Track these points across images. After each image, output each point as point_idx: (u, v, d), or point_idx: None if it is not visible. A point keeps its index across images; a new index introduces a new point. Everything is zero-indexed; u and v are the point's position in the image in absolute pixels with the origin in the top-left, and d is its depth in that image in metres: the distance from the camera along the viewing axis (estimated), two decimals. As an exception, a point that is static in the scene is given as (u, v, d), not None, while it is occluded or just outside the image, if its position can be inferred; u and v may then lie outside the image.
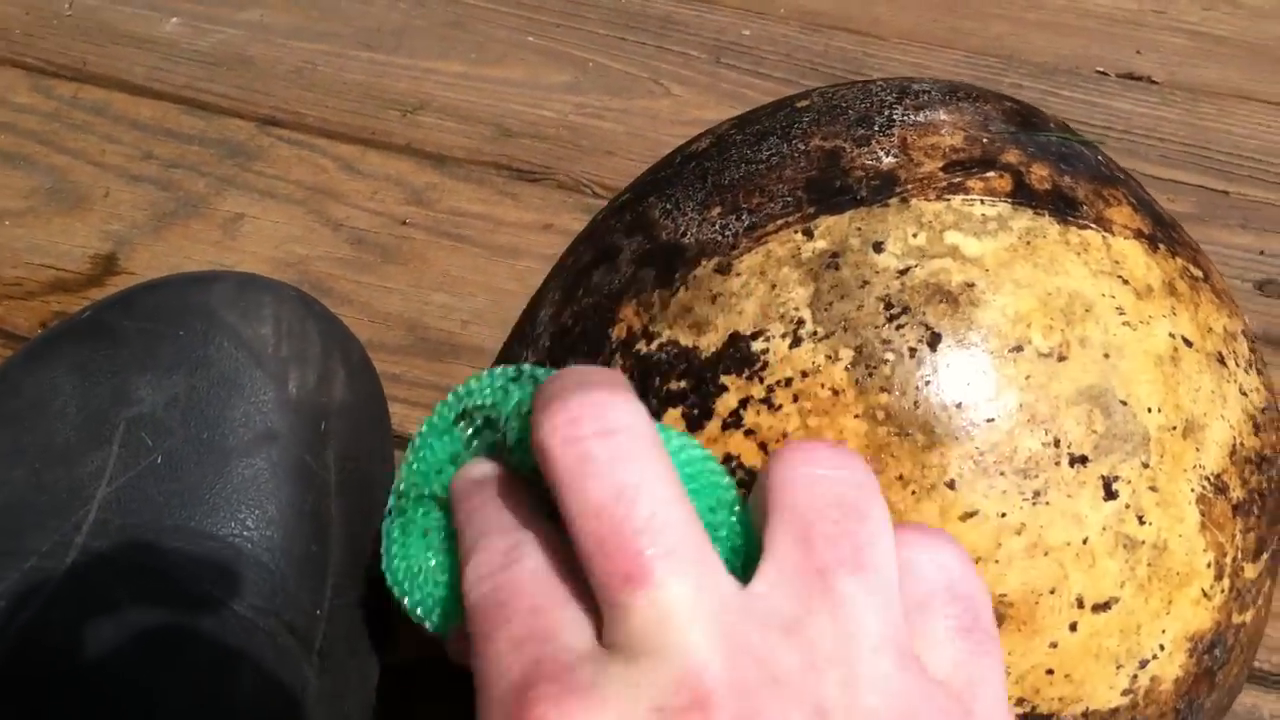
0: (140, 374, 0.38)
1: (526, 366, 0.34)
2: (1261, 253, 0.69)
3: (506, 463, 0.33)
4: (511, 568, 0.29)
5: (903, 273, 0.36)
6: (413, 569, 0.34)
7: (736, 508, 0.31)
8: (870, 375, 0.35)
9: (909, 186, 0.37)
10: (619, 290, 0.39)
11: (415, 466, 0.35)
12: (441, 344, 0.63)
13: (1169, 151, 0.75)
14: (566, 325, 0.40)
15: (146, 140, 0.74)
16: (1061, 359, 0.35)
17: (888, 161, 0.38)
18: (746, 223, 0.38)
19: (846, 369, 0.35)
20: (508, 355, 0.43)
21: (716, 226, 0.38)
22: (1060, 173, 0.39)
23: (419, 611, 0.34)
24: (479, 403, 0.34)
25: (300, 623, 0.37)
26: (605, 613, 0.27)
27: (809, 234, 0.37)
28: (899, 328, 0.35)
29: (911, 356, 0.35)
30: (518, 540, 0.30)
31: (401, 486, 0.36)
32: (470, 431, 0.35)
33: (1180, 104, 0.79)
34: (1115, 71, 0.80)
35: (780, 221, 0.37)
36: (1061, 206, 0.38)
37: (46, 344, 0.40)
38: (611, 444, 0.28)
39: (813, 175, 0.38)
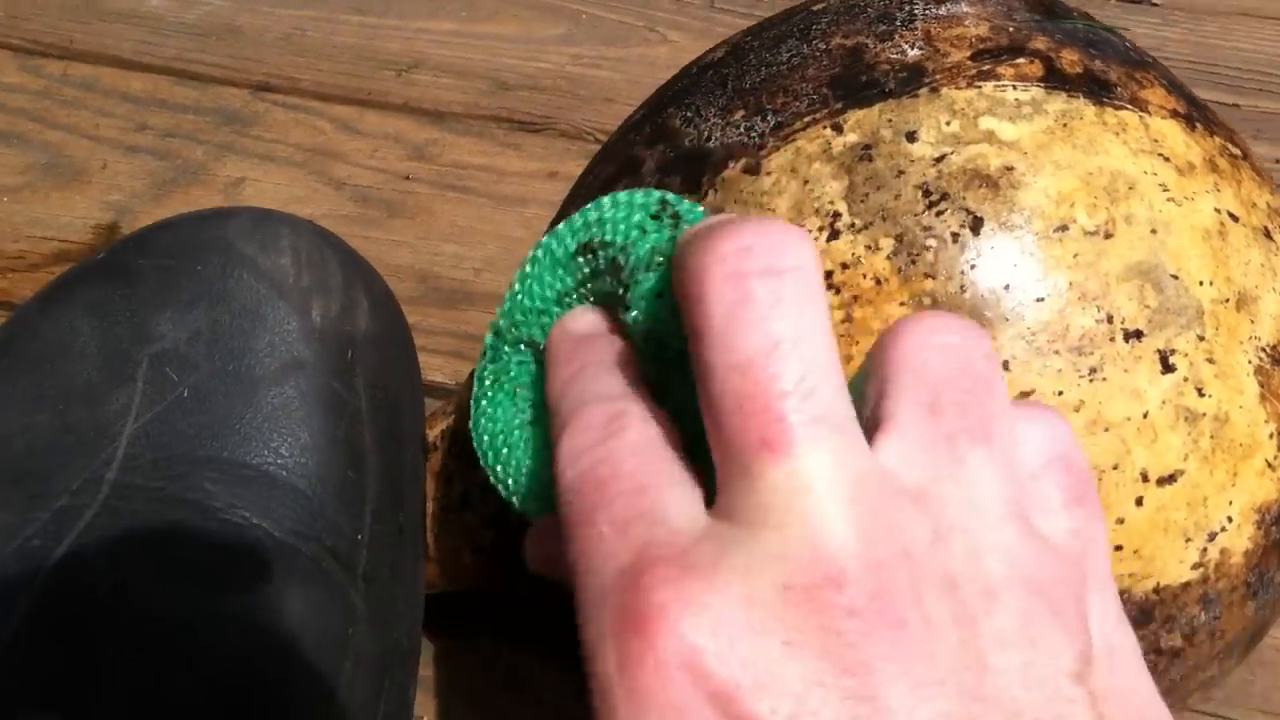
0: (160, 311, 0.37)
1: (672, 197, 0.30)
2: (1277, 161, 0.68)
3: (617, 318, 0.31)
4: (611, 441, 0.26)
5: (939, 160, 0.35)
6: (500, 433, 0.31)
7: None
8: (913, 263, 0.34)
9: (938, 76, 0.36)
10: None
11: (520, 299, 0.32)
12: (455, 292, 0.62)
13: (1175, 69, 0.74)
14: (593, 241, 0.39)
15: (140, 112, 0.73)
16: (1108, 236, 0.34)
17: (913, 54, 0.37)
18: (772, 123, 0.37)
19: (888, 258, 0.34)
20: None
21: (741, 129, 0.37)
22: (1090, 57, 0.38)
23: (509, 484, 0.31)
24: (607, 238, 0.30)
25: (342, 548, 0.36)
26: (727, 481, 0.25)
27: (838, 128, 0.36)
28: (939, 214, 0.34)
29: (954, 242, 0.34)
30: (620, 410, 0.27)
31: (500, 323, 0.33)
32: (588, 270, 0.31)
33: (1182, 24, 0.78)
34: (1115, -7, 0.80)
35: (807, 119, 0.36)
36: (1095, 89, 0.37)
37: (62, 288, 0.39)
38: (776, 287, 0.25)
39: (836, 72, 0.37)
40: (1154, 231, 0.35)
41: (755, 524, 0.24)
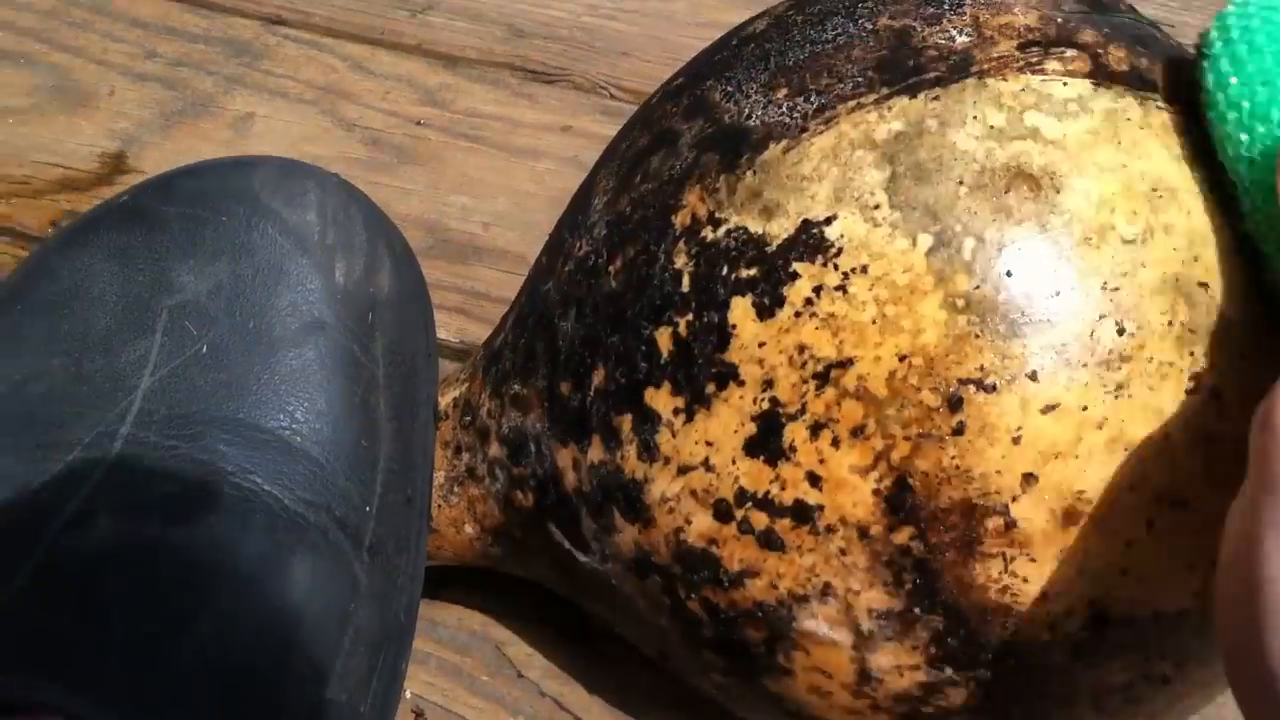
0: (182, 260, 0.36)
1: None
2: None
3: None
4: None
5: (982, 155, 0.34)
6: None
7: None
8: (950, 261, 0.33)
9: (985, 66, 0.36)
10: (681, 175, 0.37)
11: None
12: (464, 246, 0.61)
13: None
14: (624, 212, 0.38)
15: (149, 38, 0.72)
16: (1145, 245, 0.34)
17: (961, 40, 0.37)
18: (815, 104, 0.36)
19: (925, 255, 0.33)
20: (554, 247, 0.42)
21: (784, 108, 0.37)
22: (1137, 54, 0.37)
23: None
24: None
25: (351, 518, 0.36)
26: None
27: (883, 115, 0.35)
28: (979, 213, 0.34)
29: (993, 242, 0.33)
30: None
31: None
32: None
33: (1199, 8, 0.77)
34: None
35: (852, 103, 0.36)
36: (1140, 88, 0.36)
37: (81, 230, 0.38)
38: None
39: (883, 55, 0.37)
40: (1191, 244, 0.34)
41: None
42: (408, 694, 0.46)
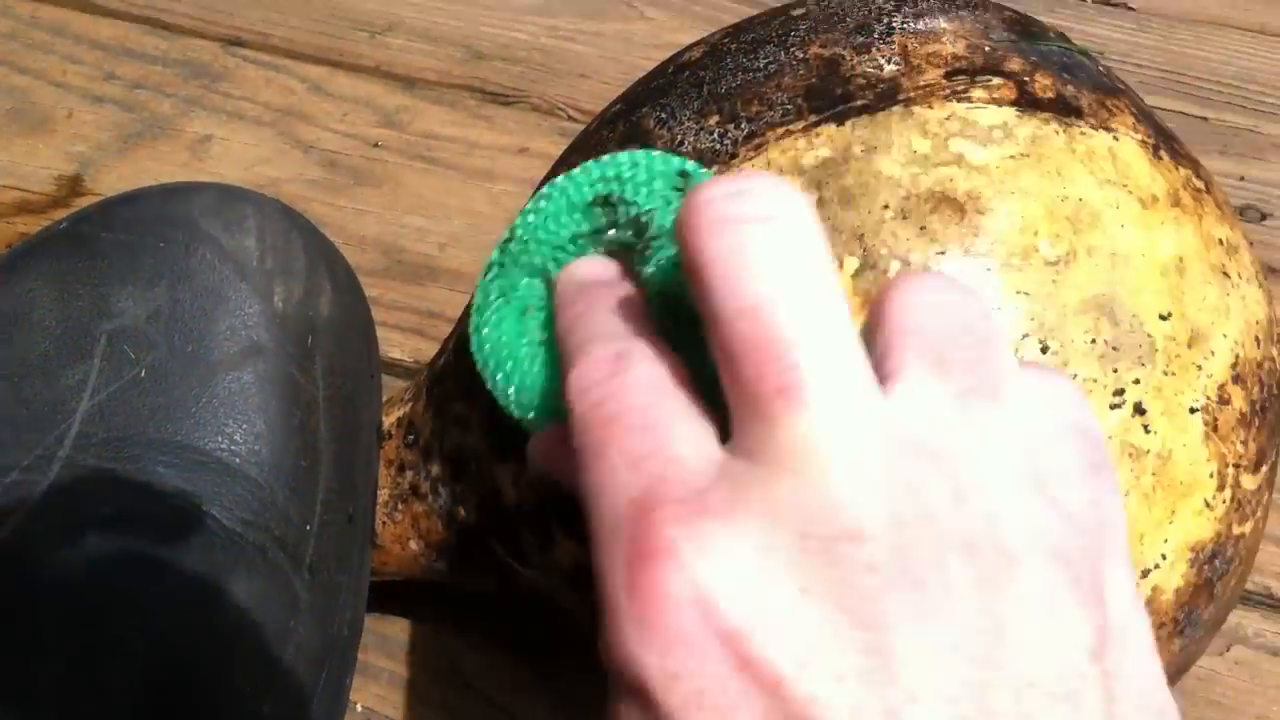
0: (121, 286, 0.37)
1: (690, 167, 0.31)
2: (1241, 178, 0.68)
3: (630, 265, 0.31)
4: (619, 377, 0.26)
5: (907, 181, 0.35)
6: (508, 344, 0.31)
7: None
8: (876, 283, 0.34)
9: (911, 94, 0.37)
10: (615, 200, 0.38)
11: (535, 231, 0.32)
12: (419, 267, 0.62)
13: (1146, 78, 0.74)
14: (561, 237, 0.39)
15: (108, 60, 0.72)
16: (1068, 267, 0.34)
17: (889, 69, 0.37)
18: (746, 130, 0.37)
19: (852, 277, 0.34)
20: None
21: (715, 135, 0.37)
22: (1064, 81, 0.38)
23: (511, 393, 0.31)
24: (630, 198, 0.31)
25: (290, 537, 0.36)
26: (745, 424, 0.24)
27: (810, 142, 0.36)
28: (904, 236, 0.34)
29: (918, 265, 0.34)
30: (626, 349, 0.27)
31: (511, 247, 0.33)
32: (604, 221, 0.31)
33: (1157, 30, 0.78)
34: (1093, -4, 0.80)
35: (781, 130, 0.36)
36: (1066, 114, 0.37)
37: (21, 256, 0.38)
38: (777, 232, 0.25)
39: (812, 83, 0.37)
40: (1113, 265, 0.35)
41: (776, 465, 0.24)
42: (359, 708, 0.47)
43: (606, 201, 0.32)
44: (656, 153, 0.32)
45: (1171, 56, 0.76)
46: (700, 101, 0.38)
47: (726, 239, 0.25)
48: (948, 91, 0.37)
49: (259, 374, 0.37)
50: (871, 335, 0.27)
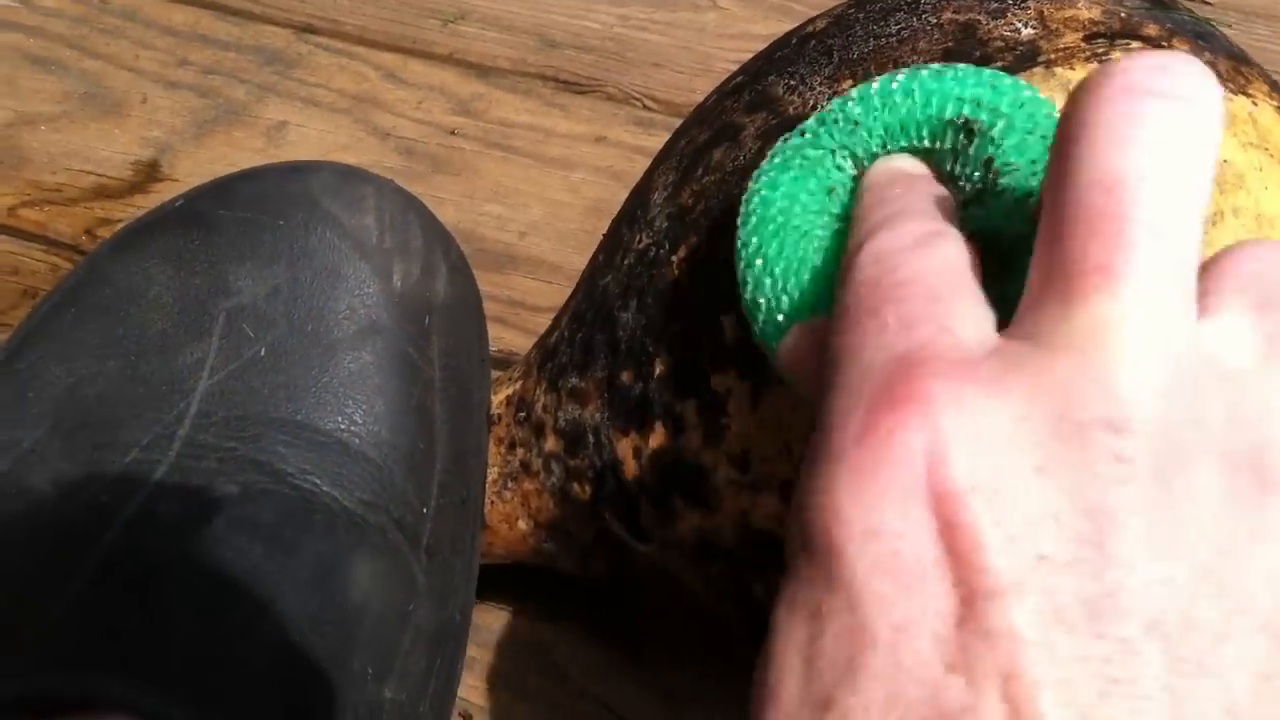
0: (239, 264, 0.36)
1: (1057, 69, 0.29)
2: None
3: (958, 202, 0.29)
4: (921, 249, 0.25)
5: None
6: (779, 211, 0.29)
7: None
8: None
9: (1052, 56, 0.36)
10: (746, 166, 0.37)
11: (874, 107, 0.29)
12: (499, 255, 0.61)
13: (1228, 69, 0.74)
14: (686, 204, 0.38)
15: (180, 46, 0.72)
16: (1214, 227, 0.34)
17: (1026, 33, 0.37)
18: (880, 95, 0.36)
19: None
20: (612, 244, 0.42)
21: (849, 100, 0.37)
22: (1199, 48, 0.37)
23: (777, 270, 0.29)
24: (998, 140, 0.28)
25: (408, 519, 0.36)
26: (1039, 305, 0.23)
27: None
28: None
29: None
30: (939, 230, 0.26)
31: (835, 115, 0.30)
32: (949, 144, 0.29)
33: (1236, 25, 0.77)
34: (1171, -11, 0.79)
35: (917, 94, 0.36)
36: (1207, 81, 0.36)
37: (136, 233, 0.38)
38: (1185, 116, 0.23)
39: (949, 46, 0.37)
40: (1259, 226, 0.34)
41: (1056, 347, 0.23)
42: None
43: (965, 127, 0.29)
44: (1028, 89, 0.30)
45: (1250, 51, 0.75)
46: (832, 67, 0.37)
47: (1126, 106, 0.23)
48: (1088, 54, 0.36)
49: (378, 353, 0.36)
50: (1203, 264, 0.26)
